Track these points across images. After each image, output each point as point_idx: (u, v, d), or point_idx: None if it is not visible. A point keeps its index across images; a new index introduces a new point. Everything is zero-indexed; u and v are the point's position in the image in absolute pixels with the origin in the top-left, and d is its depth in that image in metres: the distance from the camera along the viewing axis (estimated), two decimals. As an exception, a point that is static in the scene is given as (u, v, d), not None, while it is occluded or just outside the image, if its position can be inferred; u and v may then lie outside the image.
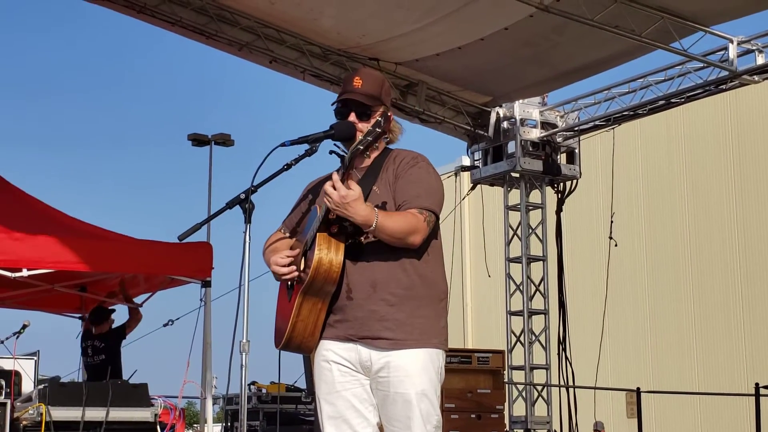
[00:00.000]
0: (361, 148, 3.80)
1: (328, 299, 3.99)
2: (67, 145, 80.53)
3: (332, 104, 4.16)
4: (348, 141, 4.04)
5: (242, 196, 4.05)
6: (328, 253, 3.89)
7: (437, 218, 4.04)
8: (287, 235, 4.29)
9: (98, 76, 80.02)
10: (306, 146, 4.04)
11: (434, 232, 4.08)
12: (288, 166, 4.05)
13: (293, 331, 4.01)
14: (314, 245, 3.90)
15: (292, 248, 4.20)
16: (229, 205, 4.06)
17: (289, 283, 4.11)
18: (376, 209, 3.84)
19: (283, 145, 4.02)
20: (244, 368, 4.03)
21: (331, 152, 4.04)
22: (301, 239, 4.14)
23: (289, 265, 4.07)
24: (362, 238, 3.94)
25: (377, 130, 3.81)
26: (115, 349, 10.92)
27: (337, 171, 3.88)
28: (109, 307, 11.20)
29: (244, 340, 4.05)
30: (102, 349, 10.90)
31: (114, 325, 11.07)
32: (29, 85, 79.71)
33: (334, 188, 3.79)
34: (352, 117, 4.09)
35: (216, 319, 9.89)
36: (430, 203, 3.99)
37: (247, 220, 4.06)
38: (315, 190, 4.21)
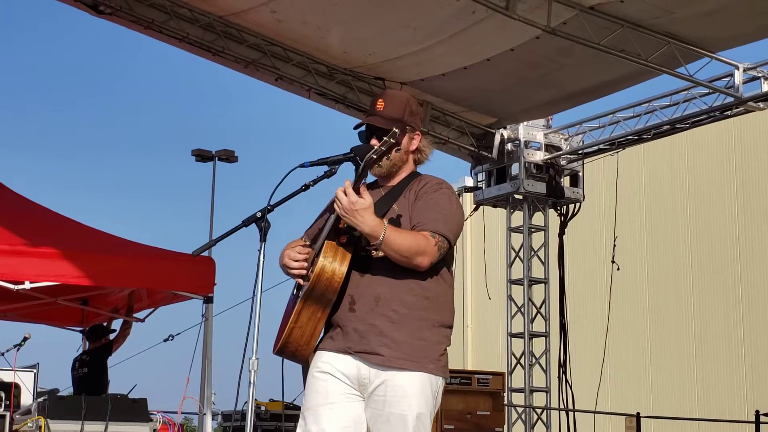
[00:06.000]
0: (375, 157, 3.82)
1: (328, 308, 3.97)
2: (70, 152, 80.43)
3: (354, 128, 4.17)
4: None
5: (258, 215, 4.03)
6: (333, 262, 3.89)
7: (450, 247, 4.00)
8: (308, 243, 4.26)
9: (102, 87, 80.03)
10: (325, 168, 4.03)
11: (446, 262, 4.06)
12: (306, 187, 4.05)
13: (289, 337, 4.00)
14: (321, 252, 3.91)
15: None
16: (246, 223, 4.04)
17: (295, 290, 4.11)
18: (385, 222, 3.83)
19: (302, 165, 4.02)
20: (252, 385, 4.00)
21: (348, 158, 4.03)
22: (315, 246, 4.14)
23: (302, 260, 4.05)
24: (373, 252, 3.93)
25: (391, 140, 3.82)
26: (98, 364, 10.99)
27: (356, 169, 3.89)
28: (110, 327, 11.25)
29: (254, 358, 4.02)
30: (86, 362, 11.00)
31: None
32: (33, 92, 79.75)
33: (345, 194, 3.79)
34: (374, 141, 4.08)
35: (216, 335, 9.89)
36: (445, 229, 3.96)
37: (263, 238, 4.03)
38: None
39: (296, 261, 4.05)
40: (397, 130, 3.85)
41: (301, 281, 4.06)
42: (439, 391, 4.02)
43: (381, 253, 3.92)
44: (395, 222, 3.96)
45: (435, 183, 4.08)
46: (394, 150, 3.99)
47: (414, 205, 4.02)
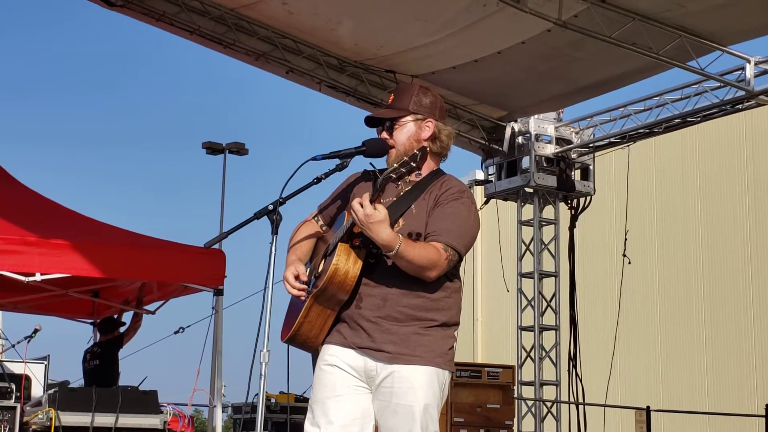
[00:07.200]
0: (394, 176, 3.81)
1: (338, 307, 4.00)
2: (79, 144, 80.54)
3: (365, 122, 4.17)
4: (379, 157, 4.08)
5: (270, 207, 4.04)
6: (346, 264, 3.91)
7: (461, 259, 4.01)
8: (320, 222, 4.28)
9: (113, 79, 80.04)
10: (337, 161, 4.04)
11: (455, 270, 4.06)
12: (318, 180, 4.05)
13: (299, 330, 4.04)
14: (334, 253, 3.93)
15: (316, 252, 4.21)
16: (258, 216, 4.05)
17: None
18: (400, 236, 3.83)
19: (314, 159, 4.02)
20: (263, 378, 4.01)
21: (365, 171, 4.06)
22: (329, 240, 4.15)
23: (303, 278, 4.06)
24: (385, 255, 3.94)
25: (411, 164, 3.80)
26: (109, 356, 11.02)
27: (374, 183, 3.87)
28: (120, 320, 11.29)
29: (265, 350, 4.02)
30: (98, 354, 11.04)
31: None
32: (45, 84, 79.88)
33: (362, 206, 3.80)
34: (384, 134, 4.11)
35: (227, 327, 9.90)
36: (458, 242, 3.96)
37: (274, 231, 4.03)
38: (354, 185, 4.21)
39: (294, 288, 4.06)
40: (418, 153, 3.84)
41: (302, 296, 4.07)
42: (445, 384, 4.04)
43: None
44: (411, 237, 3.97)
45: (457, 191, 4.05)
46: (413, 166, 3.93)
47: (432, 211, 4.01)
